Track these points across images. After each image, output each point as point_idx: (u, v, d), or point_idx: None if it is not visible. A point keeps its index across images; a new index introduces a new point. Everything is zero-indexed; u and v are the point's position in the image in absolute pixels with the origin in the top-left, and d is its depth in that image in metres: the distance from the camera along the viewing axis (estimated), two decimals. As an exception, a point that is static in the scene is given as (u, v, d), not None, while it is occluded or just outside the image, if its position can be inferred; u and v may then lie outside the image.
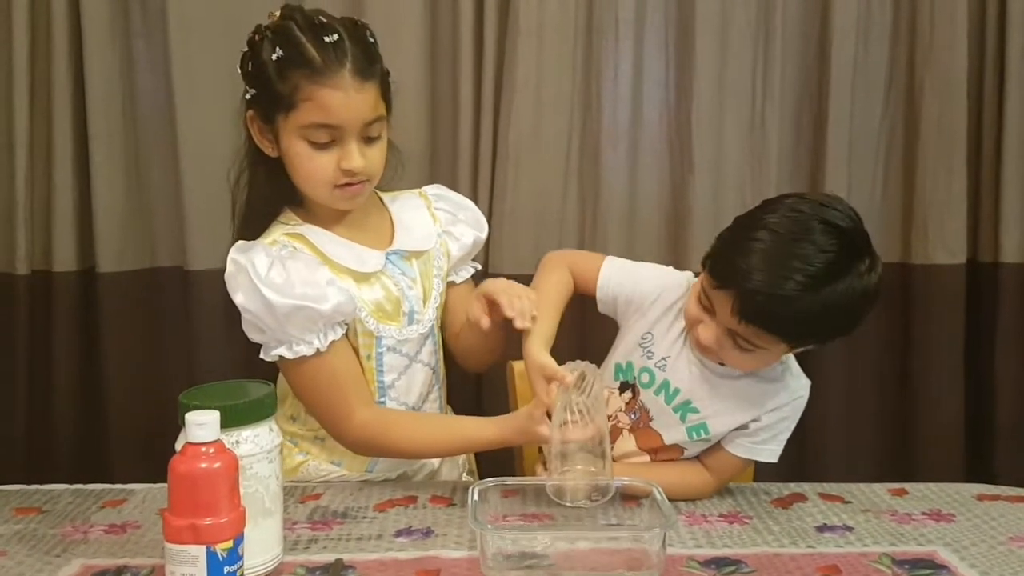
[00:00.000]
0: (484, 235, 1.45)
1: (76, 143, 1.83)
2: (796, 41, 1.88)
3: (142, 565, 1.01)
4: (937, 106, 1.85)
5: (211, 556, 0.87)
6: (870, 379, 1.94)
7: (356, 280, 1.29)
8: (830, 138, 1.85)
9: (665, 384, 1.24)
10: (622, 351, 1.29)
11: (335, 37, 1.20)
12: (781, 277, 1.06)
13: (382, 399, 1.32)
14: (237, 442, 0.95)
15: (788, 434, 1.25)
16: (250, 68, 1.25)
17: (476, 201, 1.79)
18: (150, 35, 1.84)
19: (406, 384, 1.34)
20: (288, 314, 1.18)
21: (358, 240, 1.32)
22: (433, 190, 1.46)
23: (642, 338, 1.26)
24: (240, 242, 1.25)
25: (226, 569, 0.88)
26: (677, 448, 1.25)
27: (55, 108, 1.81)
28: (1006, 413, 1.89)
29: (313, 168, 1.23)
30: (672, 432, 1.24)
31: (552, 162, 1.86)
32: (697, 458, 1.26)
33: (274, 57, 1.21)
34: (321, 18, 1.23)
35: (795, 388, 1.24)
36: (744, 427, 1.23)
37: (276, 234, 1.28)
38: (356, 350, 1.30)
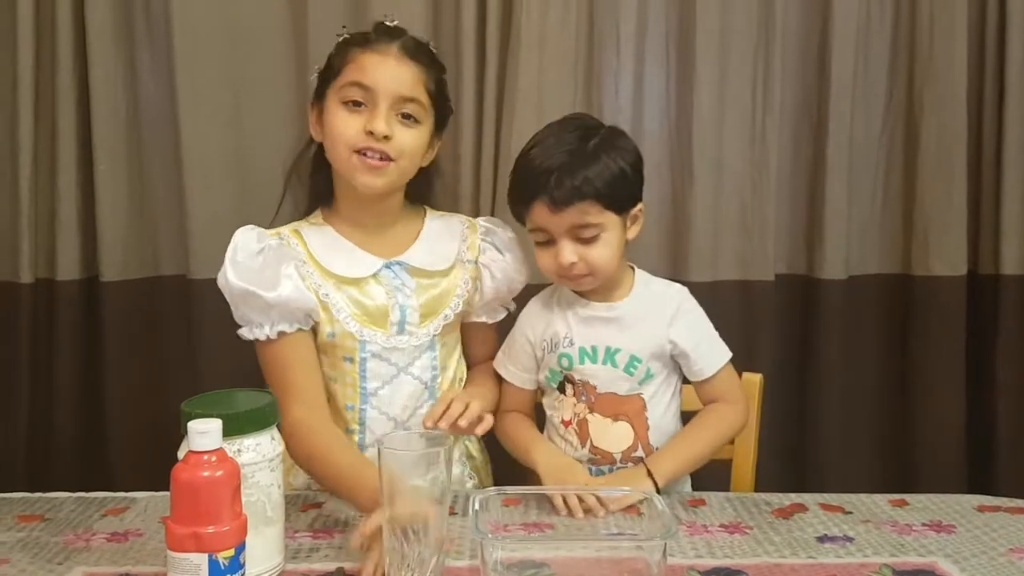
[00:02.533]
0: (520, 280, 1.45)
1: (80, 152, 1.83)
2: (796, 54, 1.89)
3: (144, 573, 1.01)
4: (937, 118, 1.86)
5: (213, 564, 0.87)
6: (871, 390, 1.94)
7: (339, 283, 1.32)
8: (830, 151, 1.85)
9: (582, 351, 1.34)
10: (543, 370, 1.40)
11: (395, 23, 1.33)
12: (556, 155, 1.28)
13: (364, 406, 1.34)
14: (239, 451, 0.95)
15: (709, 324, 1.37)
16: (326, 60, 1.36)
17: (477, 212, 1.81)
18: (154, 44, 1.85)
19: (389, 394, 1.35)
20: (242, 295, 1.26)
21: (367, 245, 1.36)
22: (486, 222, 1.48)
23: (543, 347, 1.38)
24: (251, 225, 1.32)
25: (228, 577, 0.88)
26: (637, 398, 1.33)
27: (59, 117, 1.82)
28: (1007, 425, 1.89)
29: (340, 127, 1.29)
30: (617, 382, 1.33)
31: (553, 174, 1.86)
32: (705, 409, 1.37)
33: (340, 39, 1.34)
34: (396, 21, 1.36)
35: (666, 290, 1.39)
36: (682, 356, 1.34)
37: (286, 227, 1.37)
38: (337, 352, 1.33)
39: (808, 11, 1.88)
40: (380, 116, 1.27)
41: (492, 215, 1.83)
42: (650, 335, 1.33)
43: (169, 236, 1.89)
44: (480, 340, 1.47)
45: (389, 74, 1.28)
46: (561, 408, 1.37)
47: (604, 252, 1.29)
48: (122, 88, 1.85)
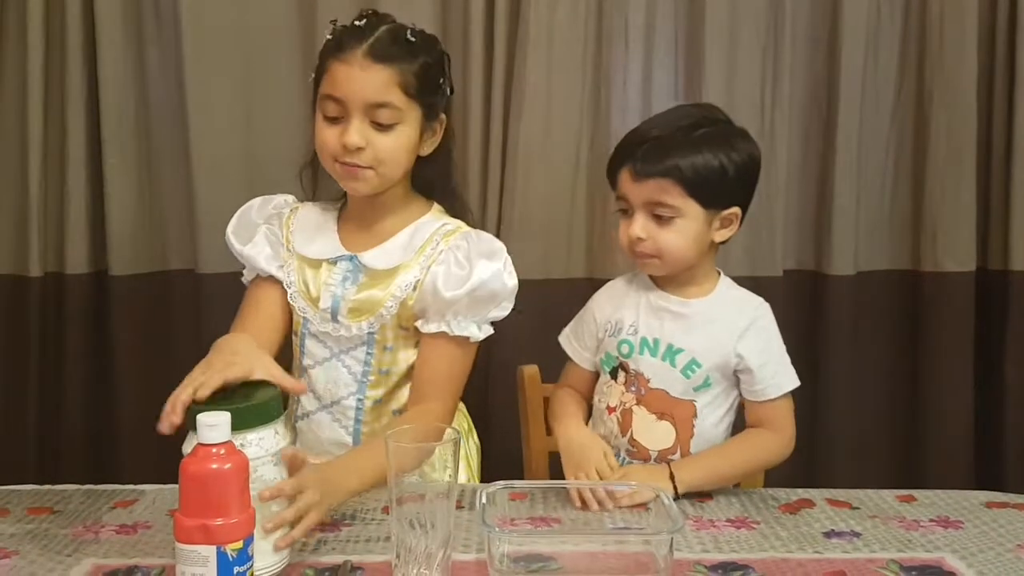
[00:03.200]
0: (457, 294, 1.28)
1: (89, 147, 1.84)
2: (805, 49, 1.88)
3: (153, 565, 1.02)
4: (946, 114, 1.85)
5: (221, 556, 0.87)
6: (880, 386, 1.94)
7: (300, 261, 1.37)
8: (839, 145, 1.85)
9: (644, 341, 1.32)
10: (600, 352, 1.38)
11: (363, 22, 1.29)
12: (659, 129, 1.29)
13: (300, 377, 1.38)
14: (243, 445, 0.95)
15: (783, 349, 1.33)
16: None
17: (485, 206, 1.81)
18: (163, 42, 1.86)
19: (320, 375, 1.37)
20: (229, 243, 1.40)
21: (349, 233, 1.38)
22: (472, 233, 1.36)
23: (607, 329, 1.36)
24: (291, 196, 1.43)
25: (236, 569, 0.88)
26: (689, 404, 1.30)
27: (69, 113, 1.83)
28: (1015, 421, 1.89)
29: (322, 140, 1.30)
30: (671, 381, 1.30)
31: (561, 169, 1.86)
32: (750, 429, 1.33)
33: (326, 39, 1.32)
34: (373, 10, 1.33)
35: (746, 300, 1.35)
36: (746, 372, 1.30)
37: (306, 202, 1.44)
38: (294, 324, 1.39)
39: (817, 4, 1.87)
40: (352, 129, 1.26)
41: (499, 210, 1.84)
42: (716, 342, 1.29)
43: (177, 231, 1.90)
44: (420, 353, 1.35)
45: (355, 84, 1.25)
46: (608, 394, 1.35)
47: (675, 238, 1.27)
48: (131, 84, 1.86)
